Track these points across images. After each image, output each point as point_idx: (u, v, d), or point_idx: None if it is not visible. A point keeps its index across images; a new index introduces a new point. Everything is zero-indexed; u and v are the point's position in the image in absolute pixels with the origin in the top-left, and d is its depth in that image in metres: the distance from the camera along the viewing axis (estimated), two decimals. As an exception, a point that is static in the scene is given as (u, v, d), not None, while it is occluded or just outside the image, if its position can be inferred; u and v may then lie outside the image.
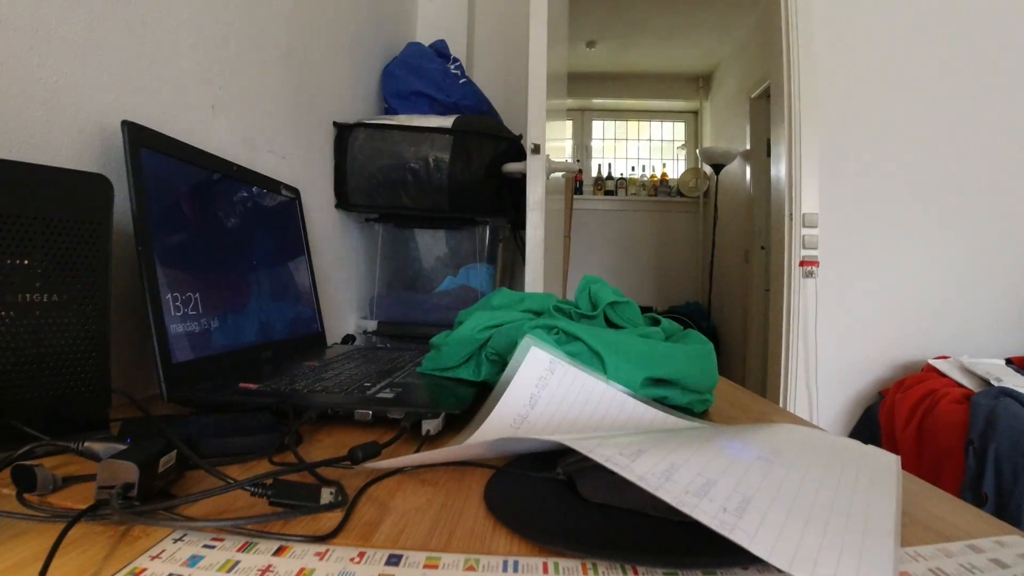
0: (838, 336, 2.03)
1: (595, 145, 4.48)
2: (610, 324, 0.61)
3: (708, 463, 0.31)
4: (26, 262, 0.41)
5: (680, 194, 4.20)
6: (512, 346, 0.53)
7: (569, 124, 4.42)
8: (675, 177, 4.32)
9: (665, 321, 0.63)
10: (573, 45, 3.79)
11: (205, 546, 0.28)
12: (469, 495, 0.36)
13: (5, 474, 0.34)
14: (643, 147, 4.51)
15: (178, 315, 0.56)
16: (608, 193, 4.24)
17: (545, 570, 0.27)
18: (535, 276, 1.14)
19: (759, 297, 3.18)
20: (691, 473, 0.30)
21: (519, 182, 1.22)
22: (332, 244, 1.21)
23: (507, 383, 0.49)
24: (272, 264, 0.79)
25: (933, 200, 2.04)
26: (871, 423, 1.93)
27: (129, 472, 0.30)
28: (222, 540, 0.29)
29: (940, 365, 1.84)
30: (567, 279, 2.72)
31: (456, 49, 1.70)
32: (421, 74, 1.39)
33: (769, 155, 2.39)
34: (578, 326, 0.54)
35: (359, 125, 1.22)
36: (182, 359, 0.55)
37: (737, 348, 3.54)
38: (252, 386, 0.56)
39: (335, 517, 0.32)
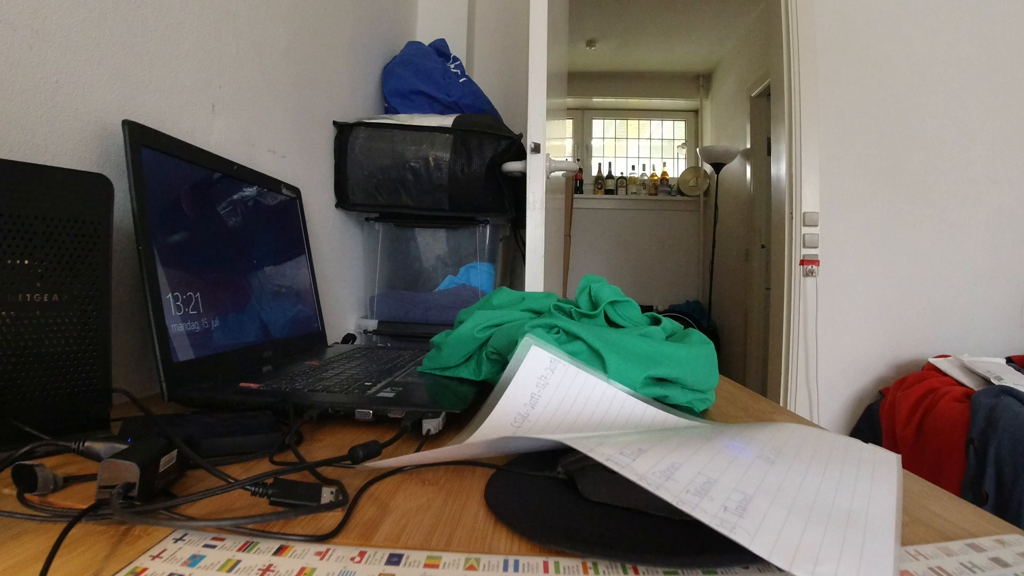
0: (839, 335, 2.03)
1: (595, 144, 4.48)
2: (610, 323, 0.61)
3: (709, 462, 0.31)
4: (26, 262, 0.41)
5: (680, 193, 4.20)
6: (512, 345, 0.53)
7: (569, 123, 4.41)
8: (675, 176, 4.32)
9: (666, 320, 0.63)
10: (573, 44, 3.79)
11: (206, 546, 0.28)
12: (469, 494, 0.36)
13: (6, 474, 0.34)
14: (643, 146, 4.50)
15: (179, 314, 0.56)
16: (608, 192, 4.23)
17: (546, 569, 0.27)
18: (535, 275, 1.14)
19: (759, 296, 3.18)
20: (692, 472, 0.30)
21: (519, 181, 1.22)
22: (332, 243, 1.21)
23: (508, 382, 0.49)
24: (272, 263, 0.79)
25: (933, 199, 2.04)
26: (872, 422, 1.93)
27: (130, 472, 0.30)
28: (223, 540, 0.29)
29: (941, 364, 1.84)
30: (567, 278, 2.72)
31: (456, 48, 1.70)
32: (421, 73, 1.39)
33: (769, 154, 2.39)
34: (578, 325, 0.54)
35: (359, 124, 1.21)
36: (183, 358, 0.55)
37: (737, 347, 3.54)
38: (253, 385, 0.56)
39: (336, 516, 0.32)
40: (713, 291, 3.87)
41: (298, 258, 0.89)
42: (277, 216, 0.84)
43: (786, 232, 2.03)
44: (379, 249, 1.33)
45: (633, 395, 0.50)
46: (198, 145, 0.66)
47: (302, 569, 0.26)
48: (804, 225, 1.99)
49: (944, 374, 1.80)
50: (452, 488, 0.37)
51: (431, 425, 0.46)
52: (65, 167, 0.47)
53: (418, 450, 0.43)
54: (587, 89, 4.32)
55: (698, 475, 0.29)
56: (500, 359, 0.59)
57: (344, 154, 1.20)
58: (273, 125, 0.96)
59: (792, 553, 0.24)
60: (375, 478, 0.38)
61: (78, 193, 0.45)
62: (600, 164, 4.39)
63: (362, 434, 0.49)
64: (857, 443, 0.41)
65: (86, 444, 0.37)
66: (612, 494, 0.33)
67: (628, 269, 4.15)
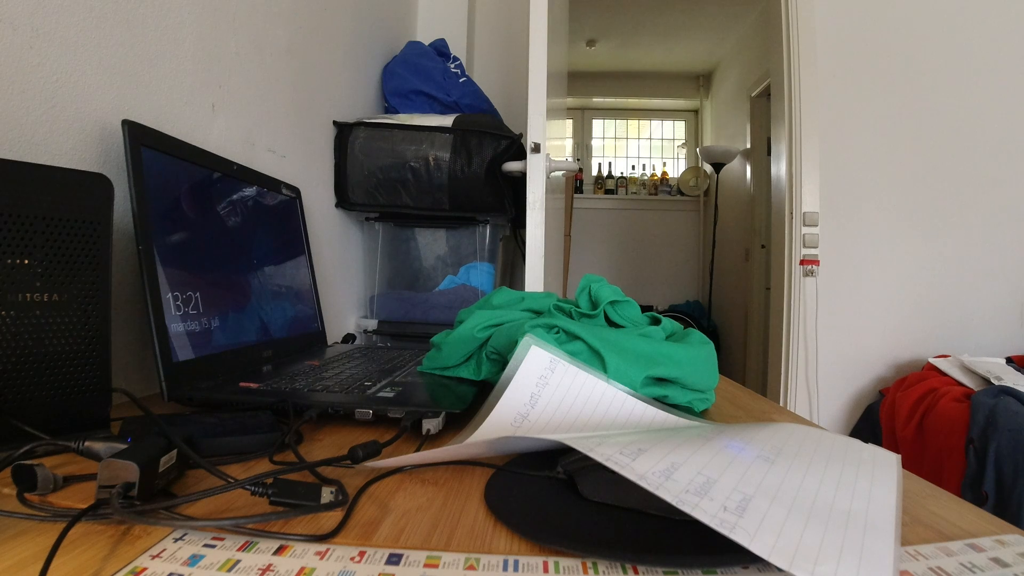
0: (838, 334, 2.03)
1: (595, 144, 4.47)
2: (610, 323, 0.61)
3: (708, 462, 0.31)
4: (26, 262, 0.41)
5: (680, 193, 4.20)
6: (512, 345, 0.53)
7: (569, 123, 4.41)
8: (675, 176, 4.32)
9: (665, 320, 0.63)
10: (573, 44, 3.79)
11: (206, 545, 0.28)
12: (469, 494, 0.36)
13: (6, 474, 0.34)
14: (643, 146, 4.50)
15: (178, 314, 0.56)
16: (608, 192, 4.23)
17: (545, 569, 0.27)
18: (535, 275, 1.14)
19: (759, 296, 3.18)
20: (691, 472, 0.30)
21: (519, 181, 1.22)
22: (332, 243, 1.21)
23: (507, 382, 0.49)
24: (272, 263, 0.79)
25: (933, 199, 2.04)
26: (871, 422, 1.94)
27: (130, 471, 0.30)
28: (223, 539, 0.29)
29: (940, 364, 1.84)
30: (567, 278, 2.72)
31: (456, 48, 1.70)
32: (421, 73, 1.39)
33: (769, 154, 2.39)
34: (578, 325, 0.54)
35: (359, 124, 1.21)
36: (182, 358, 0.55)
37: (737, 347, 3.54)
38: (252, 385, 0.56)
39: (335, 516, 0.32)
40: (713, 291, 3.87)
41: (298, 258, 0.89)
42: (277, 216, 0.84)
43: (786, 232, 2.03)
44: (379, 249, 1.33)
45: (633, 395, 0.50)
46: (198, 145, 0.66)
47: (302, 569, 0.26)
48: (804, 225, 1.99)
49: (944, 374, 1.80)
50: (452, 488, 0.37)
51: (431, 425, 0.46)
52: (65, 167, 0.47)
53: (418, 450, 0.43)
54: (587, 89, 4.32)
55: (698, 475, 0.29)
56: (500, 359, 0.59)
57: (344, 154, 1.20)
58: (273, 125, 0.96)
59: (792, 553, 0.24)
60: (375, 478, 0.38)
61: (78, 193, 0.45)
62: (600, 164, 4.39)
63: (362, 434, 0.49)
64: (857, 443, 0.41)
65: (86, 444, 0.37)
66: (612, 494, 0.33)
67: (628, 269, 4.15)
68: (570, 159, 1.34)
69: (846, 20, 2.02)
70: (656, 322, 0.63)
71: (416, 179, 1.19)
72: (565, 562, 0.28)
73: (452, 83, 1.40)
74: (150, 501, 0.31)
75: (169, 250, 0.56)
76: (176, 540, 0.29)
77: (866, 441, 0.42)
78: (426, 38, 1.64)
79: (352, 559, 0.27)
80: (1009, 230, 2.03)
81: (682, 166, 4.41)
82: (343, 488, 0.33)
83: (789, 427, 0.43)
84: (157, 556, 0.27)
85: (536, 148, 1.13)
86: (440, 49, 1.51)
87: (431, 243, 1.32)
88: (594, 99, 4.40)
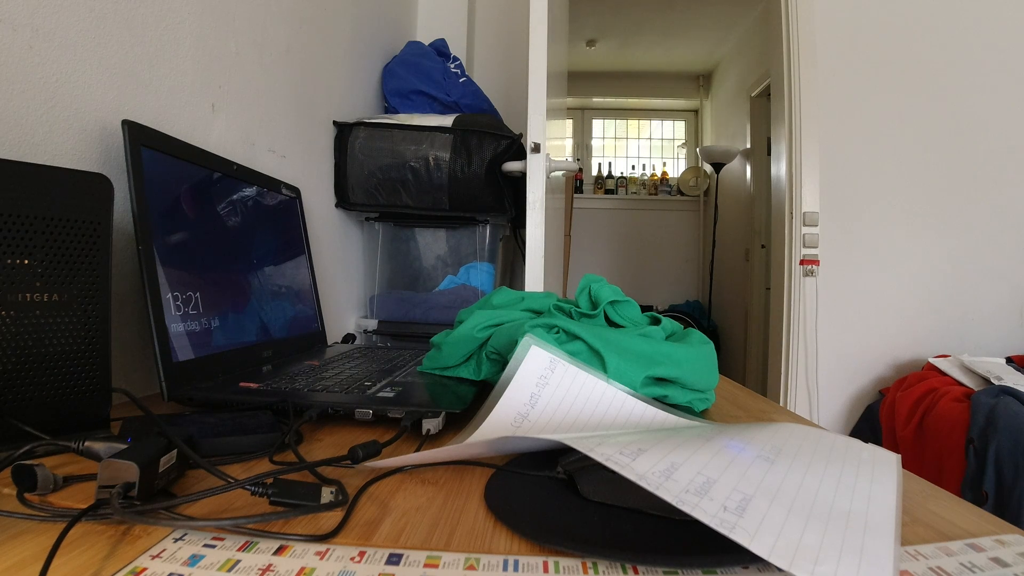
0: (838, 334, 2.03)
1: (595, 144, 4.47)
2: (610, 323, 0.61)
3: (708, 462, 0.31)
4: (26, 262, 0.41)
5: (680, 193, 4.20)
6: (512, 345, 0.53)
7: (569, 123, 4.41)
8: (675, 176, 4.32)
9: (665, 320, 0.63)
10: (573, 44, 3.79)
11: (206, 545, 0.28)
12: (469, 494, 0.36)
13: (5, 474, 0.34)
14: (643, 146, 4.50)
15: (178, 314, 0.56)
16: (608, 192, 4.23)
17: (545, 569, 0.27)
18: (535, 275, 1.14)
19: (759, 296, 3.18)
20: (691, 472, 0.30)
21: (519, 181, 1.22)
22: (332, 243, 1.21)
23: (507, 382, 0.49)
24: (272, 263, 0.79)
25: (933, 198, 2.04)
26: (871, 421, 1.94)
27: (130, 471, 0.30)
28: (223, 539, 0.29)
29: (940, 364, 1.84)
30: (567, 278, 2.72)
31: (456, 48, 1.70)
32: (421, 73, 1.39)
33: (769, 154, 2.39)
34: (578, 325, 0.54)
35: (359, 124, 1.21)
36: (182, 358, 0.55)
37: (737, 347, 3.54)
38: (252, 385, 0.56)
39: (335, 516, 0.32)
40: (713, 291, 3.87)
41: (298, 258, 0.89)
42: (277, 216, 0.84)
43: (786, 232, 2.04)
44: (379, 249, 1.33)
45: (633, 395, 0.50)
46: (198, 145, 0.66)
47: (302, 569, 0.26)
48: (804, 225, 1.99)
49: (944, 374, 1.80)
50: (452, 488, 0.37)
51: (431, 425, 0.46)
52: (65, 167, 0.47)
53: (418, 450, 0.43)
54: (587, 89, 4.32)
55: (698, 475, 0.29)
56: (500, 359, 0.59)
57: (344, 154, 1.20)
58: (273, 125, 0.96)
59: (792, 553, 0.24)
60: (375, 478, 0.38)
61: (78, 193, 0.45)
62: (600, 164, 4.39)
63: (362, 434, 0.49)
64: (857, 443, 0.41)
65: (86, 444, 0.37)
66: (612, 494, 0.33)
67: (628, 269, 4.15)
68: (570, 159, 1.34)
69: (846, 20, 2.02)
70: (656, 322, 0.63)
71: (416, 179, 1.19)
72: (565, 562, 0.28)
73: (452, 83, 1.40)
74: (150, 501, 0.31)
75: (169, 250, 0.56)
76: (176, 540, 0.29)
77: (866, 441, 0.42)
78: (426, 38, 1.64)
79: (352, 559, 0.27)
80: (1010, 230, 2.03)
81: (682, 166, 4.41)
82: (343, 488, 0.33)
83: (789, 427, 0.43)
84: (157, 556, 0.27)
85: (536, 148, 1.13)
86: (440, 49, 1.51)
87: (431, 243, 1.32)
88: (594, 99, 4.40)
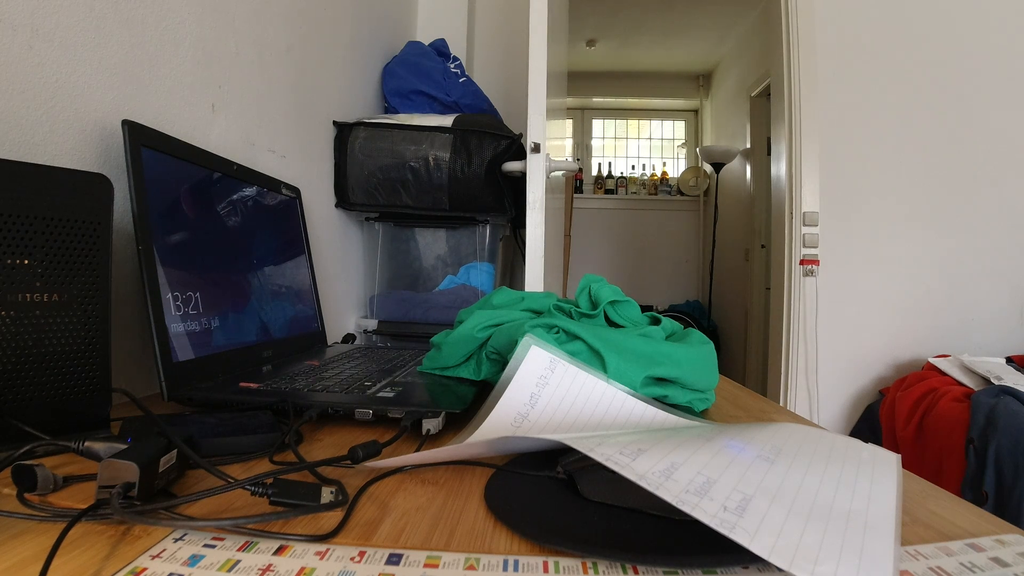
0: (838, 334, 2.03)
1: (595, 144, 4.47)
2: (610, 323, 0.61)
3: (708, 462, 0.31)
4: (26, 262, 0.41)
5: (680, 193, 4.20)
6: (512, 345, 0.53)
7: (569, 123, 4.41)
8: (675, 176, 4.32)
9: (665, 320, 0.63)
10: (573, 43, 3.79)
11: (206, 545, 0.28)
12: (469, 494, 0.36)
13: (5, 474, 0.34)
14: (643, 146, 4.50)
15: (178, 314, 0.56)
16: (608, 192, 4.23)
17: (545, 569, 0.27)
18: (535, 275, 1.14)
19: (759, 295, 3.18)
20: (691, 472, 0.30)
21: (519, 181, 1.22)
22: (332, 243, 1.21)
23: (507, 382, 0.49)
24: (272, 263, 0.79)
25: (933, 198, 2.04)
26: (871, 421, 1.94)
27: (130, 471, 0.30)
28: (223, 539, 0.29)
29: (940, 363, 1.84)
30: (567, 278, 2.72)
31: (456, 48, 1.70)
32: (421, 73, 1.39)
33: (769, 153, 2.39)
34: (578, 325, 0.54)
35: (359, 124, 1.21)
36: (182, 358, 0.55)
37: (737, 346, 3.54)
38: (252, 385, 0.56)
39: (335, 516, 0.32)
40: (713, 291, 3.87)
41: (298, 258, 0.89)
42: (277, 216, 0.84)
43: (786, 232, 2.03)
44: (379, 249, 1.33)
45: (633, 395, 0.50)
46: (198, 145, 0.66)
47: (302, 569, 0.26)
48: (804, 225, 1.99)
49: (944, 374, 1.80)
50: (452, 488, 0.37)
51: (431, 425, 0.46)
52: (65, 167, 0.47)
53: (418, 450, 0.43)
54: (587, 89, 4.32)
55: (698, 475, 0.29)
56: (500, 359, 0.59)
57: (344, 154, 1.20)
58: (273, 125, 0.96)
59: (792, 553, 0.24)
60: (375, 478, 0.38)
61: (78, 193, 0.45)
62: (600, 164, 4.39)
63: (362, 434, 0.49)
64: (857, 443, 0.41)
65: (86, 444, 0.37)
66: (612, 494, 0.33)
67: (628, 269, 4.15)
68: (570, 159, 1.34)
69: (846, 20, 2.02)
70: (656, 322, 0.63)
71: (416, 179, 1.19)
72: (565, 562, 0.28)
73: (452, 83, 1.40)
74: (150, 501, 0.31)
75: (169, 250, 0.56)
76: (176, 540, 0.29)
77: (866, 441, 0.42)
78: (426, 38, 1.64)
79: (352, 559, 0.27)
80: (1009, 230, 2.03)
81: (682, 166, 4.41)
82: (343, 488, 0.33)
83: (789, 427, 0.43)
84: (157, 556, 0.27)
85: (536, 148, 1.13)
86: (440, 49, 1.51)
87: (431, 243, 1.32)
88: (594, 99, 4.40)
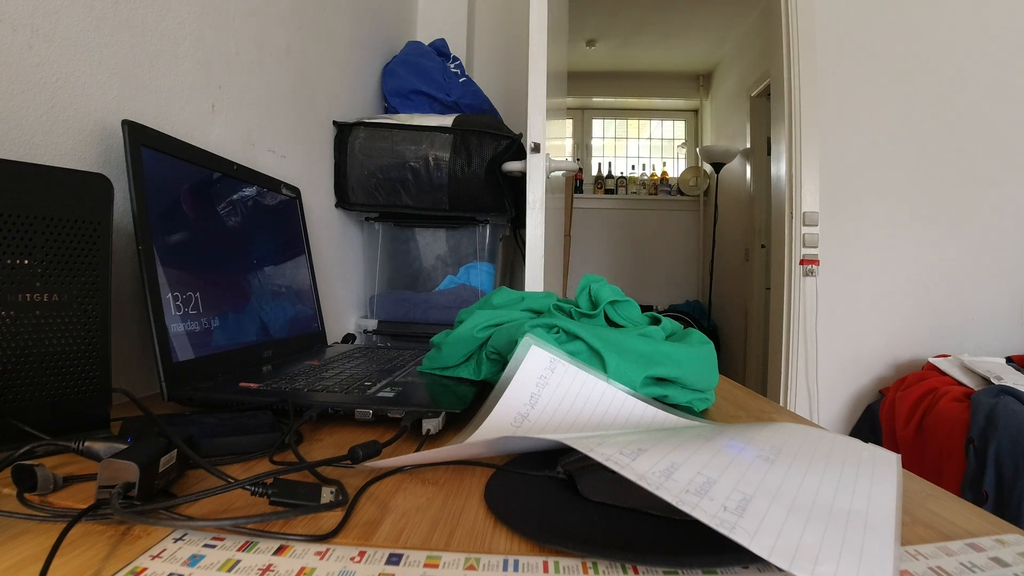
0: (838, 334, 2.03)
1: (595, 144, 4.47)
2: (610, 323, 0.61)
3: (708, 462, 0.31)
4: (26, 262, 0.41)
5: (680, 193, 4.20)
6: (512, 345, 0.53)
7: (569, 123, 4.41)
8: (675, 176, 4.32)
9: (665, 320, 0.63)
10: (573, 43, 3.79)
11: (206, 545, 0.28)
12: (469, 494, 0.36)
13: (5, 474, 0.34)
14: (643, 146, 4.50)
15: (178, 314, 0.56)
16: (608, 192, 4.23)
17: (545, 569, 0.27)
18: (535, 275, 1.14)
19: (759, 295, 3.18)
20: (691, 472, 0.30)
21: (519, 181, 1.22)
22: (332, 243, 1.21)
23: (507, 382, 0.49)
24: (272, 263, 0.79)
25: (933, 198, 2.04)
26: (871, 421, 1.94)
27: (130, 472, 0.30)
28: (223, 539, 0.29)
29: (940, 363, 1.84)
30: (567, 278, 2.72)
31: (456, 48, 1.70)
32: (421, 73, 1.39)
33: (769, 153, 2.39)
34: (578, 325, 0.54)
35: (359, 124, 1.21)
36: (182, 358, 0.55)
37: (737, 346, 3.54)
38: (252, 385, 0.56)
39: (335, 516, 0.32)
40: (713, 291, 3.87)
41: (298, 258, 0.89)
42: (277, 216, 0.84)
43: (786, 232, 2.03)
44: (379, 249, 1.33)
45: (633, 395, 0.50)
46: (198, 145, 0.66)
47: (302, 569, 0.26)
48: (804, 225, 1.99)
49: (944, 374, 1.80)
50: (452, 488, 0.37)
51: (431, 425, 0.46)
52: (65, 167, 0.47)
53: (418, 450, 0.43)
54: (587, 89, 4.32)
55: (698, 475, 0.29)
56: (500, 359, 0.59)
57: (344, 154, 1.20)
58: (273, 125, 0.96)
59: (792, 553, 0.24)
60: (375, 478, 0.38)
61: (78, 193, 0.45)
62: (600, 164, 4.39)
63: (362, 434, 0.49)
64: (857, 443, 0.41)
65: (86, 444, 0.37)
66: (612, 494, 0.33)
67: (628, 269, 4.15)
68: (570, 159, 1.34)
69: (846, 20, 2.02)
70: (656, 322, 0.63)
71: (416, 179, 1.19)
72: (565, 562, 0.28)
73: (452, 83, 1.40)
74: (150, 501, 0.31)
75: (169, 250, 0.56)
76: (176, 540, 0.29)
77: (866, 441, 0.42)
78: (426, 38, 1.64)
79: (352, 559, 0.27)
80: (1009, 230, 2.03)
81: (682, 166, 4.41)
82: (343, 488, 0.33)
83: (789, 427, 0.43)
84: (157, 556, 0.27)
85: (536, 148, 1.13)
86: (440, 49, 1.51)
87: (431, 243, 1.32)
88: (594, 99, 4.40)
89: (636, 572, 0.27)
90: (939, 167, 2.03)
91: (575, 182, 4.03)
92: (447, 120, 1.21)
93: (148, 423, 0.42)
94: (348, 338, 1.04)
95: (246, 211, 0.74)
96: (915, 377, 1.84)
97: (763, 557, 0.24)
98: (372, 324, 1.29)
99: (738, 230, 3.55)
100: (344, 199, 1.22)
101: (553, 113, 1.32)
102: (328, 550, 0.28)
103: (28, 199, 0.42)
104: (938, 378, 1.77)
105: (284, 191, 0.87)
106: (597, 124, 4.51)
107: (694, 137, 4.43)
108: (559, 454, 0.37)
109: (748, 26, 3.44)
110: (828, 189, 2.01)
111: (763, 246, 3.18)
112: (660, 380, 0.54)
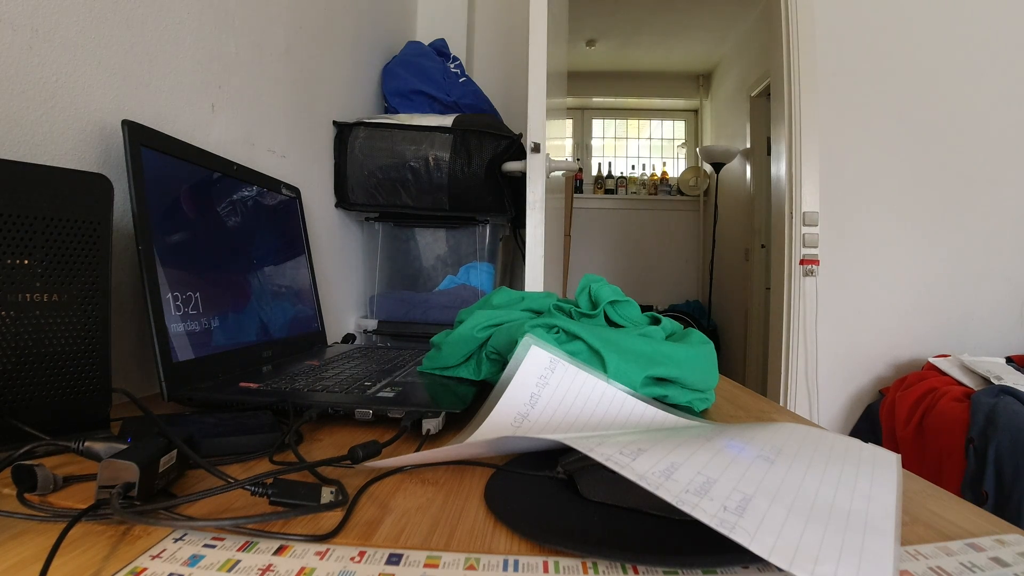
0: (838, 334, 2.03)
1: (595, 144, 4.47)
2: (610, 323, 0.61)
3: (708, 462, 0.31)
4: (26, 262, 0.41)
5: (680, 193, 4.20)
6: (512, 345, 0.53)
7: (569, 123, 4.41)
8: (675, 176, 4.32)
9: (665, 320, 0.63)
10: (573, 43, 3.79)
11: (206, 545, 0.28)
12: (469, 494, 0.36)
13: (6, 474, 0.34)
14: (643, 146, 4.50)
15: (178, 314, 0.56)
16: (608, 192, 4.23)
17: (545, 569, 0.27)
18: (535, 275, 1.14)
19: (759, 295, 3.18)
20: (691, 472, 0.30)
21: (519, 181, 1.22)
22: (332, 243, 1.21)
23: (507, 382, 0.49)
24: (272, 263, 0.79)
25: (933, 198, 2.04)
26: (871, 421, 1.94)
27: (130, 472, 0.30)
28: (223, 539, 0.29)
29: (940, 363, 1.84)
30: (567, 278, 2.72)
31: (456, 48, 1.70)
32: (421, 73, 1.39)
33: (769, 153, 2.39)
34: (578, 325, 0.54)
35: (359, 124, 1.21)
36: (182, 358, 0.55)
37: (737, 346, 3.54)
38: (252, 385, 0.56)
39: (335, 516, 0.32)
40: (713, 291, 3.87)
41: (298, 258, 0.89)
42: (277, 216, 0.84)
43: (786, 232, 2.03)
44: (379, 249, 1.33)
45: (633, 395, 0.50)
46: (198, 145, 0.66)
47: (302, 569, 0.26)
48: (804, 225, 1.99)
49: (944, 374, 1.80)
50: (452, 488, 0.37)
51: (431, 425, 0.46)
52: (65, 167, 0.47)
53: (418, 450, 0.43)
54: (587, 89, 4.32)
55: (698, 475, 0.29)
56: (500, 359, 0.59)
57: (344, 154, 1.20)
58: (273, 125, 0.96)
59: (792, 553, 0.24)
60: (375, 478, 0.38)
61: (78, 193, 0.45)
62: (600, 164, 4.39)
63: (362, 434, 0.49)
64: (857, 443, 0.41)
65: (86, 444, 0.37)
66: (612, 494, 0.33)
67: (628, 269, 4.15)
68: (570, 159, 1.34)
69: (846, 20, 2.02)
70: (656, 322, 0.63)
71: (416, 179, 1.19)
72: (565, 562, 0.28)
73: (452, 83, 1.40)
74: (150, 501, 0.31)
75: (169, 250, 0.56)
76: (176, 540, 0.29)
77: (866, 441, 0.42)
78: (426, 38, 1.64)
79: (352, 559, 0.27)
80: (1009, 230, 2.03)
81: (682, 166, 4.41)
82: (343, 488, 0.33)
83: (789, 427, 0.43)
84: (157, 556, 0.27)
85: (536, 148, 1.13)
86: (440, 49, 1.51)
87: (431, 243, 1.32)
88: (594, 99, 4.40)
89: (636, 572, 0.27)
90: (939, 167, 2.03)
91: (575, 182, 4.03)
92: (447, 120, 1.21)
93: (148, 423, 0.42)
94: (348, 338, 1.04)
95: (246, 211, 0.74)
96: (915, 377, 1.84)
97: (763, 557, 0.24)
98: (372, 324, 1.29)
99: (738, 230, 3.55)
100: (344, 199, 1.22)
101: (553, 113, 1.32)
102: (328, 550, 0.28)
103: (28, 199, 0.42)
104: (938, 378, 1.77)
105: (284, 191, 0.87)
106: (597, 124, 4.51)
107: (694, 137, 4.43)
108: (559, 454, 0.37)
109: (748, 26, 3.44)
110: (828, 189, 2.01)
111: (763, 246, 3.18)
112: (660, 380, 0.54)
